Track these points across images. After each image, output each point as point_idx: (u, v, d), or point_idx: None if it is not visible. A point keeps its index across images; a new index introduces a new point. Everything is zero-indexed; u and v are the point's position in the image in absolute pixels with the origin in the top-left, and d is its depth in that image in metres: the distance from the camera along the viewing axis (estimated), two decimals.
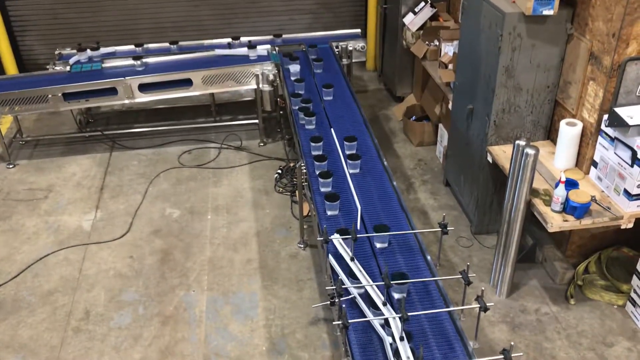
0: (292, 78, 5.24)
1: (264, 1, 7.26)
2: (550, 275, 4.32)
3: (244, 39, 6.20)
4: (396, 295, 3.04)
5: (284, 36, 6.35)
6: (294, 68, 5.37)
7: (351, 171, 4.03)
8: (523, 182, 3.70)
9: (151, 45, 6.21)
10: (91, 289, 4.34)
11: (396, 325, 2.72)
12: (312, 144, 4.24)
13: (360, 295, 3.01)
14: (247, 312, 4.11)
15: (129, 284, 4.37)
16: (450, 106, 5.02)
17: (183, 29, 7.23)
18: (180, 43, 6.21)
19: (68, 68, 5.75)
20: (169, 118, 6.50)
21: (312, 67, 5.54)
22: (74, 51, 5.99)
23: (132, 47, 6.18)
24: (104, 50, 6.08)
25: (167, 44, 6.21)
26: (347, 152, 4.18)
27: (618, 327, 3.94)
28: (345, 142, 4.22)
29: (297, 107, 4.75)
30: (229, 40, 6.19)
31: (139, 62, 5.69)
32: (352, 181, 3.93)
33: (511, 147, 3.86)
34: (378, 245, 3.41)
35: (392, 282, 2.94)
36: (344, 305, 2.82)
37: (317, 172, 3.93)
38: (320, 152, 4.20)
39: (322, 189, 3.85)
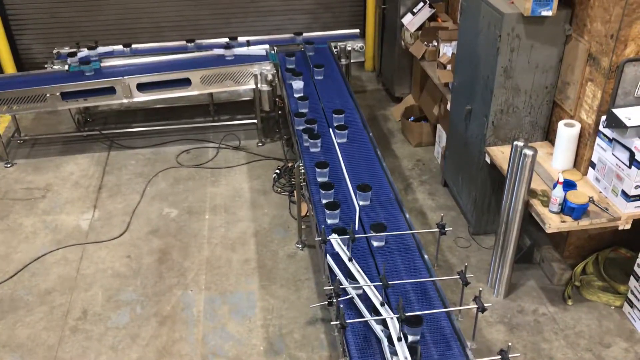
0: (296, 95, 4.95)
1: (262, 1, 7.25)
2: (547, 276, 4.33)
3: (242, 39, 6.20)
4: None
5: (282, 36, 6.35)
6: (297, 85, 5.07)
7: (361, 203, 3.78)
8: (521, 182, 3.70)
9: (106, 49, 6.10)
10: (89, 288, 4.34)
11: (394, 326, 2.72)
12: (318, 170, 3.95)
13: (358, 295, 3.01)
14: (245, 312, 4.11)
15: (126, 284, 4.36)
16: (448, 107, 5.03)
17: (181, 28, 7.22)
18: (134, 46, 6.15)
19: (66, 67, 5.74)
20: (167, 118, 6.50)
21: (309, 63, 5.52)
22: (73, 50, 5.97)
23: (85, 50, 6.01)
24: (91, 51, 6.01)
25: (120, 47, 6.13)
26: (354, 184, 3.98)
27: (615, 327, 3.94)
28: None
29: (301, 128, 4.49)
30: (227, 40, 6.19)
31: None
32: (357, 203, 3.74)
33: (509, 148, 3.87)
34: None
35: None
36: (341, 306, 2.82)
37: (324, 202, 3.67)
38: (326, 179, 3.93)
39: (329, 221, 3.58)
